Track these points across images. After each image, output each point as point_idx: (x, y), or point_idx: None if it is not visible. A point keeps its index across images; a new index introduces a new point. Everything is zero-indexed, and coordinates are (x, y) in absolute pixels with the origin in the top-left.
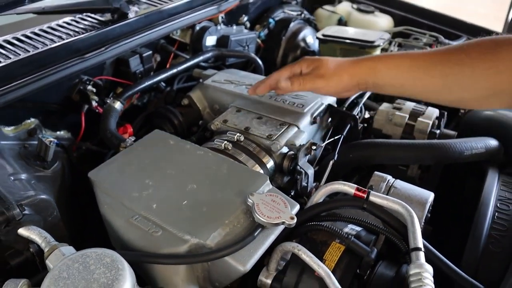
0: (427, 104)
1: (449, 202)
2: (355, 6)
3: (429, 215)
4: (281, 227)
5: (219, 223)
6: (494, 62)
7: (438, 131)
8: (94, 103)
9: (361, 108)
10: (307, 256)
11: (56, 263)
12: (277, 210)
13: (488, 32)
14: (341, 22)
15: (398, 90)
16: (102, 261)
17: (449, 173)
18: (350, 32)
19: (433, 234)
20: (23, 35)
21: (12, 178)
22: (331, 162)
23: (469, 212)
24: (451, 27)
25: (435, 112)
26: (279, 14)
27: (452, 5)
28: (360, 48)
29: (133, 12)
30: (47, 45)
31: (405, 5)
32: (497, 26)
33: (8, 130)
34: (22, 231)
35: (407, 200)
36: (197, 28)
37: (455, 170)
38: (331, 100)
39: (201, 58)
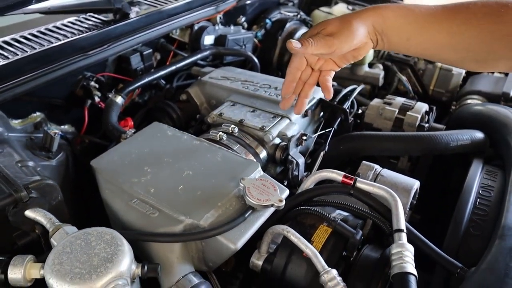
0: (416, 99)
1: (437, 193)
2: (350, 7)
3: (414, 202)
4: (271, 210)
5: (212, 205)
6: (498, 25)
7: (426, 125)
8: (96, 98)
9: (353, 104)
10: (295, 237)
11: (60, 240)
12: (266, 193)
13: None
14: None
15: (403, 44)
16: (103, 238)
17: (438, 165)
18: None
19: (421, 223)
20: (30, 33)
21: (19, 164)
22: (322, 153)
23: (455, 201)
24: None
25: (424, 106)
26: (275, 15)
27: None
28: None
29: (134, 12)
30: (52, 43)
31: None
32: None
33: (16, 123)
34: (28, 212)
35: (393, 187)
36: (196, 27)
37: (444, 163)
38: (322, 94)
39: (199, 56)
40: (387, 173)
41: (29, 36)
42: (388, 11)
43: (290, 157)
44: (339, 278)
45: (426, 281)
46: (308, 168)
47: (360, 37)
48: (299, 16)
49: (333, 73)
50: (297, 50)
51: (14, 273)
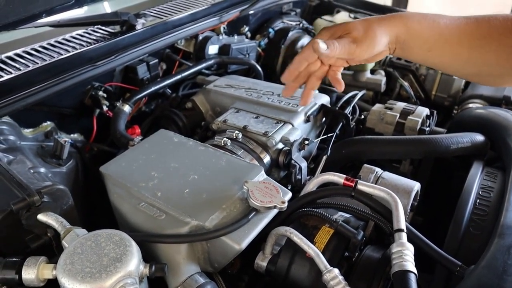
0: (417, 103)
1: (439, 196)
2: (352, 15)
3: (415, 203)
4: (274, 211)
5: (217, 207)
6: None
7: (428, 129)
8: (104, 108)
9: (355, 109)
10: (298, 238)
11: (71, 242)
12: (269, 195)
13: None
14: None
15: (423, 55)
16: (112, 239)
17: (440, 169)
18: None
19: (423, 226)
20: (40, 46)
21: (32, 171)
22: (324, 157)
23: (455, 202)
24: None
25: (424, 110)
26: (278, 24)
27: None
28: None
29: (140, 24)
30: (62, 54)
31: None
32: None
33: (27, 132)
34: (41, 216)
35: (393, 189)
36: (200, 37)
37: (445, 166)
38: (324, 100)
39: (204, 65)
40: (388, 175)
41: (40, 49)
42: (414, 21)
43: (293, 161)
44: (341, 277)
45: (426, 281)
46: (311, 172)
47: (381, 46)
48: (301, 25)
49: (341, 68)
50: (322, 53)
51: (28, 274)
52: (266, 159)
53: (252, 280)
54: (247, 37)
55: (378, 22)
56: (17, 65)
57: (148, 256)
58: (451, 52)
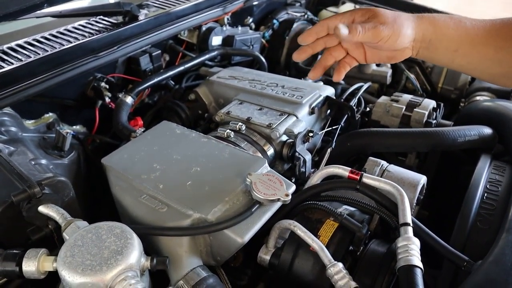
0: (424, 96)
1: (445, 190)
2: (357, 6)
3: (421, 197)
4: (278, 204)
5: (220, 200)
6: None
7: (434, 121)
8: (107, 99)
9: (361, 101)
10: (302, 231)
11: (72, 234)
12: (273, 188)
13: None
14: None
15: (449, 56)
16: (113, 231)
17: (446, 162)
18: None
19: (429, 220)
20: (42, 36)
21: (33, 162)
22: (329, 150)
23: (462, 197)
24: None
25: (431, 103)
26: (283, 16)
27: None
28: None
29: (143, 15)
30: (64, 45)
31: (407, 4)
32: None
33: (29, 123)
34: (42, 208)
35: (399, 183)
36: (204, 28)
37: (452, 159)
38: (329, 92)
39: (207, 56)
40: (394, 168)
41: (41, 39)
42: (441, 21)
43: (297, 153)
44: (345, 271)
45: (433, 277)
46: (316, 165)
47: (406, 40)
48: (306, 16)
49: (354, 64)
50: (344, 37)
51: (28, 266)
52: (270, 151)
53: (255, 274)
54: (251, 28)
55: (407, 17)
56: (18, 56)
57: (149, 249)
58: (477, 53)
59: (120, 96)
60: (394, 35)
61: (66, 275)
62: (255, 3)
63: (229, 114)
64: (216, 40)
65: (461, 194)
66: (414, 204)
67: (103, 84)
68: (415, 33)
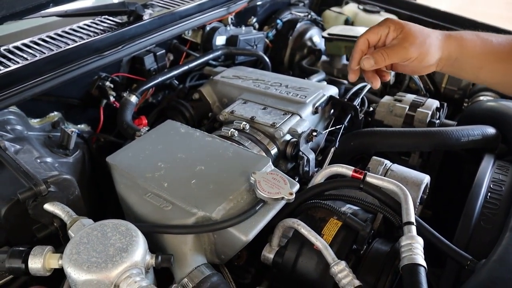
0: (427, 96)
1: (448, 189)
2: (361, 7)
3: (425, 196)
4: (282, 203)
5: (224, 198)
6: None
7: (437, 121)
8: (111, 98)
9: (364, 101)
10: (305, 230)
11: (77, 232)
12: (277, 186)
13: (496, 30)
14: (348, 22)
15: (474, 72)
16: (118, 229)
17: (449, 162)
18: (354, 30)
19: (432, 219)
20: (47, 36)
21: (38, 160)
22: (332, 149)
23: (465, 196)
24: (455, 24)
25: (434, 103)
26: (286, 16)
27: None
28: None
29: (148, 14)
30: (69, 44)
31: (410, 4)
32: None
33: (34, 122)
34: (47, 206)
35: (403, 182)
36: (208, 28)
37: (455, 159)
38: (333, 91)
39: (211, 56)
40: (397, 168)
41: (47, 39)
42: (468, 39)
43: (300, 153)
44: (349, 270)
45: (436, 276)
46: (319, 165)
47: (433, 59)
48: (309, 16)
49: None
50: (371, 68)
51: (34, 263)
52: (274, 150)
53: (259, 272)
54: (254, 28)
55: (436, 36)
56: (24, 55)
57: (154, 247)
58: (502, 69)
59: (124, 95)
60: (421, 55)
61: (72, 272)
62: (258, 3)
63: (233, 113)
64: (220, 40)
65: (464, 193)
66: (418, 203)
67: (107, 83)
68: (441, 52)
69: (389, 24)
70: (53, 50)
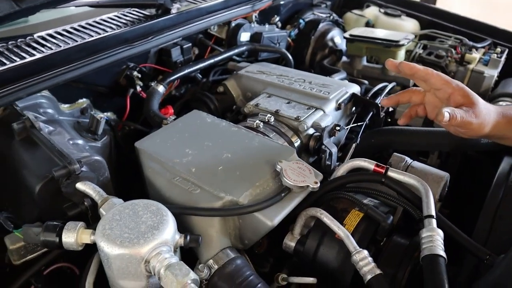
0: None
1: (467, 189)
2: (382, 10)
3: (444, 193)
4: (306, 191)
5: (251, 184)
6: None
7: None
8: (138, 88)
9: None
10: (328, 219)
11: (109, 210)
12: (302, 175)
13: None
14: (369, 25)
15: None
16: (149, 208)
17: (467, 164)
18: (376, 32)
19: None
20: (79, 25)
21: (71, 142)
22: (353, 145)
23: (484, 197)
24: (475, 30)
25: None
26: (309, 16)
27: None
28: (385, 47)
29: (175, 8)
30: (100, 34)
31: (431, 9)
32: None
33: (65, 107)
34: (79, 185)
35: (423, 178)
36: (233, 24)
37: (473, 161)
38: (356, 89)
39: (236, 51)
40: (418, 164)
41: (78, 28)
42: None
43: (323, 146)
44: (370, 258)
45: (453, 274)
46: (339, 160)
47: (480, 134)
48: (331, 17)
49: (421, 115)
50: (444, 123)
51: (68, 237)
52: (297, 143)
53: (277, 262)
54: (277, 27)
55: (495, 114)
56: (57, 42)
57: (181, 229)
58: None
59: (152, 84)
60: (478, 129)
61: (105, 246)
62: (282, 2)
63: (258, 106)
64: (244, 36)
65: (483, 194)
66: (437, 200)
67: (135, 73)
68: (492, 128)
69: (459, 89)
70: (84, 39)
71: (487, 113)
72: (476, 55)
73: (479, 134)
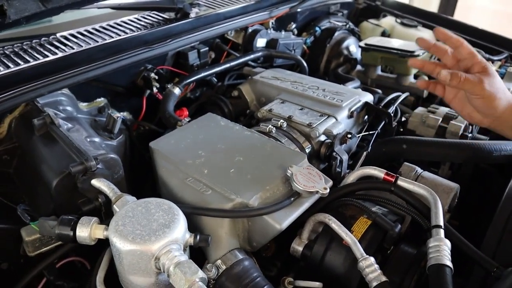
0: None
1: (477, 202)
2: (398, 20)
3: (453, 204)
4: (316, 197)
5: (261, 188)
6: None
7: (470, 135)
8: (155, 89)
9: (397, 111)
10: (336, 225)
11: (122, 207)
12: (312, 180)
13: None
14: (385, 35)
15: None
16: (161, 207)
17: (478, 176)
18: (391, 42)
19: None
20: (100, 26)
21: (88, 139)
22: (364, 153)
23: (494, 210)
24: (492, 42)
25: None
26: (325, 24)
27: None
28: (400, 57)
29: (194, 13)
30: (120, 35)
31: (447, 20)
32: None
33: (83, 105)
34: (94, 182)
35: (433, 188)
36: (250, 30)
37: (485, 173)
38: (369, 98)
39: (252, 56)
40: (428, 175)
41: (100, 29)
42: None
43: (334, 153)
44: (376, 266)
45: (461, 286)
46: (350, 168)
47: (492, 112)
48: (347, 26)
49: (438, 93)
50: (445, 83)
51: (82, 231)
52: (308, 149)
53: (284, 266)
54: (293, 34)
55: (508, 99)
56: (79, 42)
57: (192, 228)
58: None
59: (168, 86)
60: (489, 99)
61: (117, 241)
62: (299, 10)
63: (271, 111)
64: (260, 42)
65: (493, 206)
66: (446, 210)
67: (152, 74)
68: (506, 109)
69: (483, 61)
70: (105, 40)
71: (503, 91)
72: (492, 67)
73: (488, 111)
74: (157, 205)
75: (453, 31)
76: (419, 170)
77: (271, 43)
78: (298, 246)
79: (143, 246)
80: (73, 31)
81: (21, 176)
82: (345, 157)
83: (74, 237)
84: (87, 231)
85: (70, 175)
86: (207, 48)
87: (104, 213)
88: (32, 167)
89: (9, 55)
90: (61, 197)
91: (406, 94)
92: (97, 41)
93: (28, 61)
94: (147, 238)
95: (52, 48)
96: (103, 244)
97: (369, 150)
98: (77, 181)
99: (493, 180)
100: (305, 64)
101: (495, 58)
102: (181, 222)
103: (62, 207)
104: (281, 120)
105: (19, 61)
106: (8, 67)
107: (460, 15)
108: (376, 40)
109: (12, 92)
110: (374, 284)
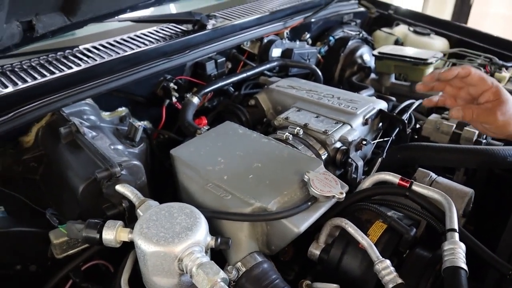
0: None
1: (492, 207)
2: (411, 28)
3: (468, 209)
4: (332, 201)
5: (279, 193)
6: None
7: (484, 141)
8: (174, 99)
9: (411, 118)
10: (352, 229)
11: (146, 211)
12: (329, 185)
13: None
14: (398, 43)
15: None
16: (184, 211)
17: (493, 182)
18: (404, 50)
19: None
20: (121, 38)
21: (112, 147)
22: (379, 159)
23: (509, 214)
24: (505, 49)
25: None
26: (338, 33)
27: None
28: (414, 65)
29: (211, 25)
30: (140, 47)
31: (460, 28)
32: None
33: (105, 115)
34: (119, 187)
35: (447, 193)
36: (265, 40)
37: (500, 179)
38: (383, 105)
39: (268, 66)
40: (442, 180)
41: (120, 41)
42: None
43: (350, 159)
44: (392, 268)
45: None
46: (365, 174)
47: (505, 133)
48: (361, 35)
49: (448, 105)
50: (456, 118)
51: (108, 234)
52: (324, 156)
53: (302, 271)
54: (308, 44)
55: None
56: (101, 54)
57: (212, 232)
58: None
59: (187, 96)
60: (503, 126)
61: (142, 243)
62: (313, 20)
63: (288, 119)
64: (276, 52)
65: (508, 212)
66: (461, 215)
67: (171, 84)
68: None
69: (494, 85)
70: (126, 52)
71: None
72: (505, 74)
73: (506, 133)
74: (180, 209)
75: (465, 38)
76: (434, 175)
77: (286, 53)
78: (315, 250)
79: (166, 248)
80: (95, 44)
81: (47, 182)
82: (360, 163)
83: (100, 240)
84: (112, 233)
85: (96, 181)
86: (224, 59)
87: (128, 218)
88: (58, 174)
89: (36, 67)
90: (87, 202)
91: (420, 101)
92: (118, 53)
93: (54, 73)
94: (170, 240)
95: (76, 60)
96: (127, 248)
97: (384, 157)
98: (102, 187)
99: (507, 186)
100: (319, 73)
101: (509, 64)
102: (203, 225)
103: (87, 212)
104: (298, 128)
105: (45, 73)
106: (35, 78)
107: (474, 22)
108: (390, 49)
109: (39, 102)
110: (390, 286)
